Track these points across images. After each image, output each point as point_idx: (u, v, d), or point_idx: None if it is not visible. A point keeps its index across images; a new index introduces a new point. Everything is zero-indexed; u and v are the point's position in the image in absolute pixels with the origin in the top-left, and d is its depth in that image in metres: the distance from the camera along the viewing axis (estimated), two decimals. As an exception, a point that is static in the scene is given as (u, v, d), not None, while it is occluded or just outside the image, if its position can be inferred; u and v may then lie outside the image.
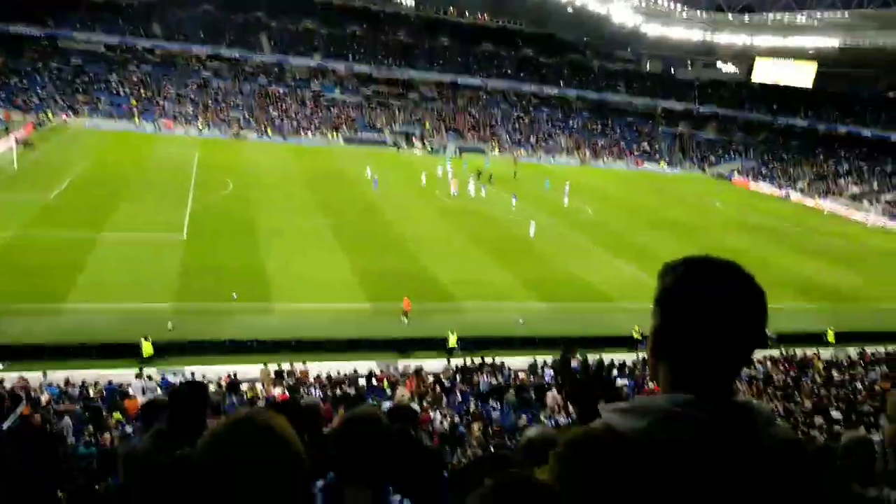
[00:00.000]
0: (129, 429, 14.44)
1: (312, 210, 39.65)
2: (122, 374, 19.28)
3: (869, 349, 26.02)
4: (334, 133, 70.62)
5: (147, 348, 20.41)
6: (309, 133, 69.91)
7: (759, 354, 23.80)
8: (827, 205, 63.92)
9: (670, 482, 1.40)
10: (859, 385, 20.06)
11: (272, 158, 55.89)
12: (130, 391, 17.97)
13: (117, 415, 15.58)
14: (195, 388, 4.18)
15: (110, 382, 18.37)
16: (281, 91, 77.42)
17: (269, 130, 67.91)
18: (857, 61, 77.82)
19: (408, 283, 29.04)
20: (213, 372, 19.97)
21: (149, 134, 61.57)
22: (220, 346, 21.90)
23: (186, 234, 32.11)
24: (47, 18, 69.06)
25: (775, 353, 24.28)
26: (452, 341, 23.87)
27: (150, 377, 19.13)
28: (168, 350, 21.23)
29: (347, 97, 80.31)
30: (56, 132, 56.13)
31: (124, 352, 20.58)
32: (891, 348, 26.12)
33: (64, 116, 61.18)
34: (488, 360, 22.74)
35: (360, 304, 26.60)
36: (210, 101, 71.30)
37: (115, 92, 68.37)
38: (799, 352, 24.50)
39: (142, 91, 69.58)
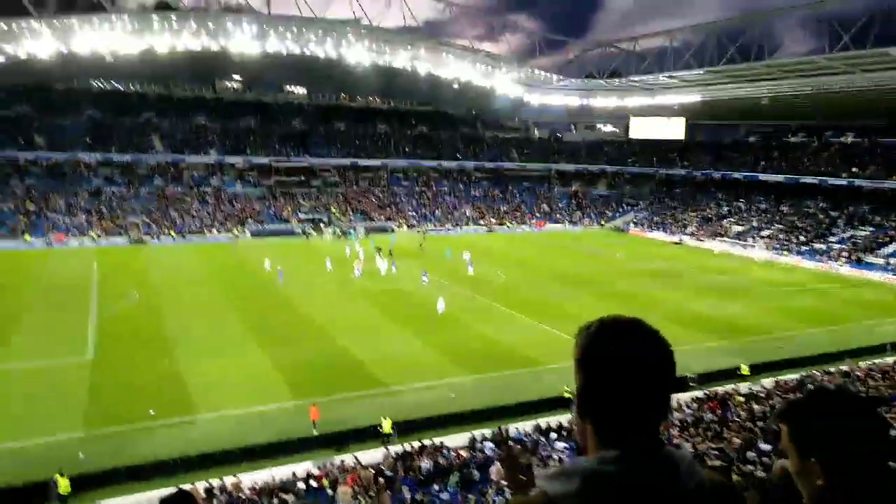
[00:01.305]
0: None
1: (224, 309, 38.23)
2: (31, 521, 17.38)
3: (782, 377, 27.56)
4: (240, 228, 69.25)
5: (64, 485, 18.59)
6: (214, 230, 68.18)
7: (685, 396, 24.69)
8: (716, 245, 68.60)
9: None
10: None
11: (177, 261, 53.85)
12: (42, 539, 16.18)
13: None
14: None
15: (17, 533, 16.47)
16: (179, 190, 75.60)
17: (171, 232, 65.65)
18: (718, 112, 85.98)
19: (332, 372, 28.32)
20: (134, 501, 18.41)
21: (39, 250, 57.94)
22: (140, 470, 20.22)
23: (92, 353, 29.98)
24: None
25: (699, 393, 25.24)
26: (387, 427, 23.24)
27: (63, 520, 17.35)
28: (81, 484, 19.37)
29: (249, 190, 79.49)
30: (-69, 259, 51.72)
31: (30, 496, 18.58)
32: (802, 373, 27.78)
33: (-60, 241, 56.69)
34: (427, 441, 22.28)
35: (287, 402, 25.53)
36: (104, 209, 68.43)
37: (-4, 209, 64.34)
38: (720, 389, 25.59)
39: (28, 205, 65.87)
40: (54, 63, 61.59)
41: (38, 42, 56.27)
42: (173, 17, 58.14)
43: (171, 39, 60.72)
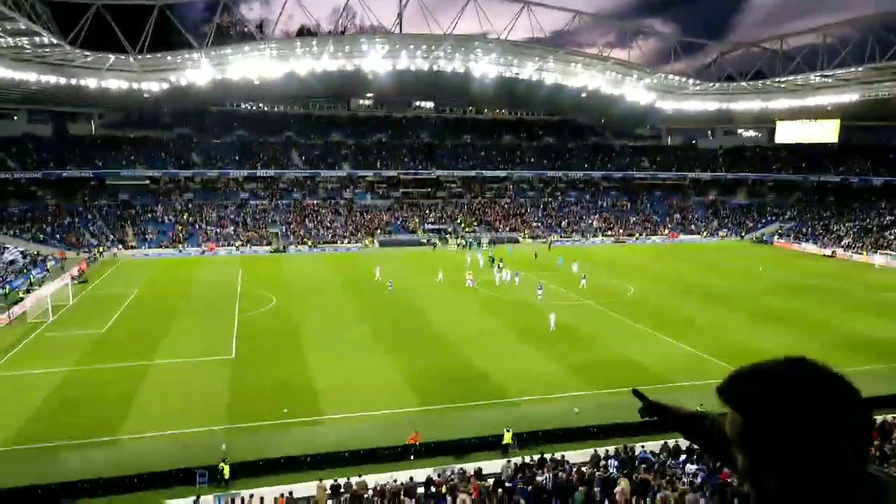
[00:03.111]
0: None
1: (354, 316, 39.93)
2: (178, 504, 19.01)
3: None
4: (370, 238, 72.23)
5: (226, 471, 20.40)
6: (345, 240, 71.67)
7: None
8: (877, 259, 61.89)
9: None
10: (952, 449, 18.49)
11: (311, 269, 57.17)
12: (187, 521, 17.63)
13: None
14: None
15: (166, 514, 18.07)
16: (315, 203, 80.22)
17: (307, 242, 69.86)
18: (879, 112, 77.70)
19: (455, 380, 28.62)
20: (268, 493, 19.56)
21: (193, 257, 63.90)
22: (275, 464, 21.52)
23: (234, 353, 32.47)
24: (96, 160, 73.84)
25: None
26: (507, 438, 23.08)
27: (206, 505, 18.77)
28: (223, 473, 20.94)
29: (378, 202, 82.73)
30: (107, 265, 58.65)
31: (178, 480, 20.36)
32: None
33: (114, 250, 64.08)
34: (547, 455, 21.84)
35: (411, 407, 26.11)
36: (249, 220, 74.13)
37: (160, 220, 71.74)
38: (879, 418, 22.91)
39: (186, 217, 72.86)
40: (210, 88, 67.87)
41: (197, 71, 62.29)
42: (314, 42, 61.92)
43: (312, 62, 64.81)
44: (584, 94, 78.18)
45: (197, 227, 71.43)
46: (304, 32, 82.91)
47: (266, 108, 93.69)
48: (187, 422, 24.18)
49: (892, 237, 67.12)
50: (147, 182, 77.10)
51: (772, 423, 1.37)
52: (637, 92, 77.30)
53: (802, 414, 1.34)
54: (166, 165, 77.03)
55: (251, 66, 63.90)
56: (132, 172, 74.77)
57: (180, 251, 65.75)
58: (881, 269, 59.06)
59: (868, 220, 73.72)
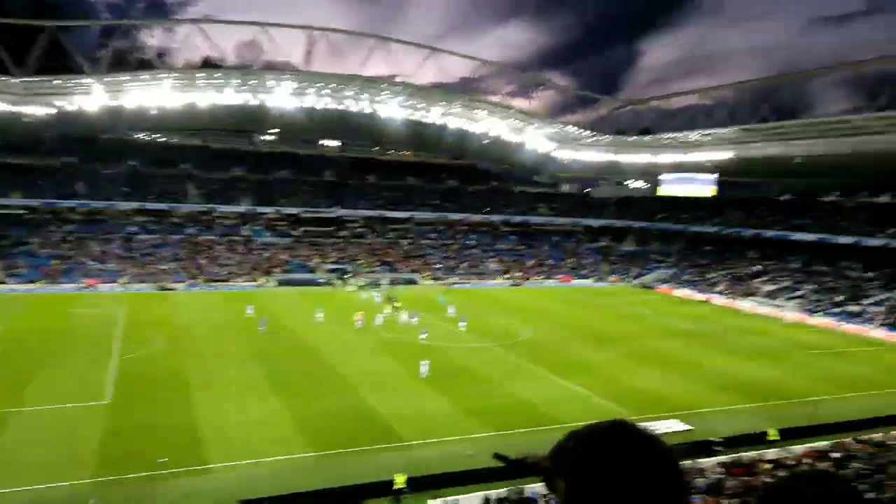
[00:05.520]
0: None
1: (245, 357, 38.40)
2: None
3: (812, 444, 26.35)
4: (267, 277, 70.17)
5: None
6: (241, 279, 69.18)
7: (710, 462, 23.80)
8: (745, 305, 67.11)
9: None
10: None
11: (203, 308, 54.63)
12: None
13: None
14: None
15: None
16: (211, 239, 77.21)
17: (199, 280, 66.81)
18: (751, 170, 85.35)
19: (349, 423, 28.13)
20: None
21: (70, 294, 59.39)
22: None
23: (111, 398, 30.27)
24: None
25: (725, 458, 24.31)
26: (400, 481, 22.80)
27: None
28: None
29: (278, 240, 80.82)
30: (-31, 300, 53.39)
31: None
32: (834, 440, 26.55)
33: (-23, 284, 58.51)
34: (440, 500, 21.78)
35: (303, 453, 25.30)
36: (137, 255, 70.15)
37: (34, 254, 66.40)
38: (746, 455, 24.62)
39: (64, 250, 67.92)
40: (101, 116, 64.50)
41: (88, 97, 59.13)
42: (217, 74, 60.57)
43: (214, 94, 63.19)
44: (486, 140, 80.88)
45: (77, 261, 66.68)
46: (208, 64, 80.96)
47: (162, 139, 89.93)
48: (48, 475, 22.04)
49: (759, 285, 73.16)
50: (22, 212, 71.39)
51: (592, 490, 1.45)
52: (536, 140, 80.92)
53: (618, 479, 1.43)
54: (46, 194, 71.83)
55: (149, 95, 61.52)
56: (5, 201, 69.09)
57: (57, 287, 60.71)
58: (748, 314, 63.86)
59: (739, 269, 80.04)
